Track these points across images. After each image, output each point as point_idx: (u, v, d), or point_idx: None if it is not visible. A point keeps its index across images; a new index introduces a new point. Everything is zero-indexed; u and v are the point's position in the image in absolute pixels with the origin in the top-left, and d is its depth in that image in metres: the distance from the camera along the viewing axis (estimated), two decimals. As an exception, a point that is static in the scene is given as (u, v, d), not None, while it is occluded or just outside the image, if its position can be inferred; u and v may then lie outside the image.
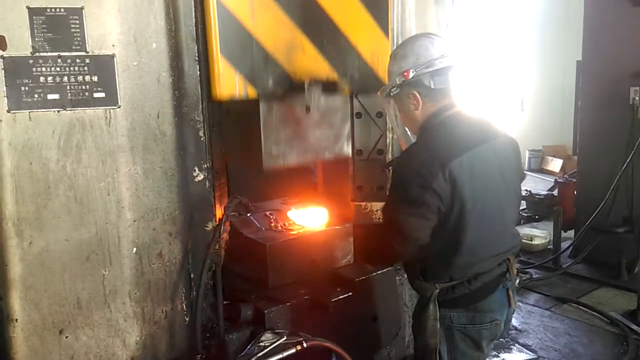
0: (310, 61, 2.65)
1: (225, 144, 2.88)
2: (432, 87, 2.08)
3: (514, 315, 4.39)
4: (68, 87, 2.15)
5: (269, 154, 2.67)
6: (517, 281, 4.66)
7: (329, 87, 2.77)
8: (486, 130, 2.16)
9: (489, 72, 12.28)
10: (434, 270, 2.12)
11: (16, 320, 2.17)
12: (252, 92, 2.48)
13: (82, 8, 2.13)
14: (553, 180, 7.70)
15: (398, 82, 2.11)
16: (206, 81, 2.44)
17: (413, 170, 2.01)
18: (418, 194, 1.97)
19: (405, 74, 2.07)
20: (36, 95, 2.11)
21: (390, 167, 2.59)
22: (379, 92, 2.30)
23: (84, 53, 2.16)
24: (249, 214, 3.15)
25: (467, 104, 2.22)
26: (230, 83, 2.42)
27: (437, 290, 2.10)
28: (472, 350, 2.14)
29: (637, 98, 4.37)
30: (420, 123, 2.15)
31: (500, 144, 2.14)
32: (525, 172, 10.75)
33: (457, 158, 1.96)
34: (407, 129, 2.35)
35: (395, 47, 2.31)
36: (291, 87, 2.59)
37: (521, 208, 7.23)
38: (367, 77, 2.85)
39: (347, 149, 2.99)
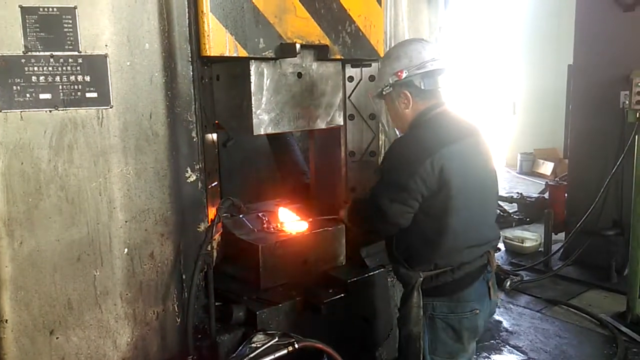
0: (302, 24, 2.64)
1: (216, 110, 2.85)
2: (423, 87, 2.23)
3: (505, 318, 4.46)
4: (60, 87, 2.14)
5: (259, 120, 2.65)
6: (508, 283, 4.69)
7: (321, 53, 2.76)
8: (469, 127, 2.29)
9: (481, 76, 12.35)
10: (419, 256, 2.22)
11: (6, 321, 2.15)
12: (242, 52, 2.47)
13: (75, 7, 2.12)
14: (544, 183, 7.75)
15: (391, 82, 2.26)
16: (198, 80, 2.44)
17: (401, 156, 2.16)
18: (404, 180, 2.09)
19: (399, 74, 2.23)
20: (28, 95, 2.09)
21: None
22: (369, 93, 2.40)
23: (76, 53, 2.15)
24: (241, 215, 3.15)
25: (453, 104, 2.33)
26: (220, 41, 2.40)
27: (421, 279, 2.20)
28: (452, 341, 2.23)
29: (627, 102, 4.39)
30: (410, 121, 2.29)
31: (480, 140, 2.28)
32: (517, 174, 10.89)
33: (445, 147, 2.10)
34: (395, 128, 2.45)
35: (387, 49, 2.41)
36: (282, 50, 2.57)
37: (512, 210, 7.28)
38: (359, 43, 2.86)
39: (339, 119, 2.98)
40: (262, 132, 2.70)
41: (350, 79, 3.11)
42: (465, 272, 2.19)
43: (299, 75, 2.76)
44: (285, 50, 2.57)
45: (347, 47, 2.82)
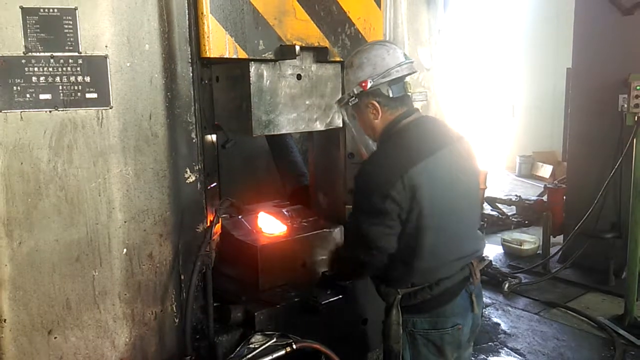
0: (301, 26, 2.64)
1: (215, 111, 2.85)
2: (391, 95, 2.13)
3: (504, 320, 4.47)
4: (60, 88, 2.15)
5: (259, 121, 2.65)
6: (507, 285, 4.69)
7: (320, 55, 2.77)
8: (443, 135, 2.20)
9: (480, 78, 12.38)
10: (396, 276, 2.14)
11: (5, 320, 2.15)
12: (242, 53, 2.47)
13: (75, 9, 2.13)
14: (543, 185, 7.76)
15: (356, 92, 2.15)
16: (198, 82, 2.45)
17: (372, 180, 2.05)
18: (378, 203, 2.00)
19: (363, 84, 2.11)
20: (28, 95, 2.10)
21: None
22: (336, 102, 2.33)
23: (76, 53, 2.16)
24: (240, 216, 3.16)
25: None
26: (220, 43, 2.40)
27: (400, 296, 2.13)
28: (434, 356, 2.16)
29: (625, 105, 4.41)
30: (380, 131, 2.19)
31: (457, 147, 2.18)
32: (516, 177, 10.91)
33: (415, 165, 2.00)
34: (367, 137, 2.36)
35: (350, 56, 2.28)
36: (282, 52, 2.57)
37: (511, 213, 7.29)
38: (358, 45, 2.79)
39: (338, 121, 2.96)
40: (261, 134, 2.71)
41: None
42: (445, 287, 2.11)
43: (299, 77, 2.76)
44: (285, 52, 2.58)
45: (347, 49, 2.82)
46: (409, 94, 2.22)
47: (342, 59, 2.83)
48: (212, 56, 2.40)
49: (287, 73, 2.73)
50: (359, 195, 2.13)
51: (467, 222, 2.22)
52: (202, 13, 2.35)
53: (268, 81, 2.66)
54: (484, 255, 2.35)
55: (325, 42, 2.75)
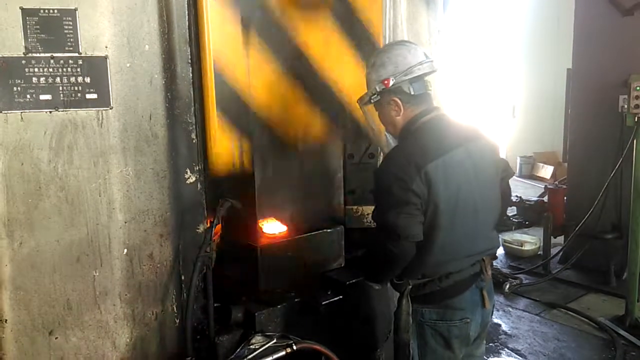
0: (305, 120, 2.71)
1: None
2: (412, 93, 2.17)
3: (504, 321, 4.46)
4: (60, 88, 2.15)
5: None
6: (508, 286, 4.67)
7: (324, 149, 2.82)
8: (463, 133, 2.22)
9: (481, 79, 12.38)
10: (407, 268, 2.16)
11: (6, 320, 2.15)
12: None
13: (75, 9, 2.13)
14: (544, 186, 7.76)
15: (378, 90, 2.19)
16: (198, 83, 2.45)
17: (393, 174, 2.07)
18: (401, 195, 2.03)
19: (386, 82, 2.16)
20: (28, 96, 2.11)
21: None
22: (357, 101, 2.35)
23: (76, 54, 2.16)
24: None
25: (450, 107, 2.28)
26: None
27: (410, 287, 2.18)
28: (441, 348, 2.20)
29: (625, 106, 4.41)
30: (401, 127, 2.23)
31: (476, 147, 2.20)
32: (517, 178, 10.91)
33: (432, 161, 2.03)
34: (387, 134, 2.40)
35: (371, 56, 2.33)
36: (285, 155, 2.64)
37: (512, 214, 7.29)
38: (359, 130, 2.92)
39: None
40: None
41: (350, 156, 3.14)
42: (454, 280, 2.16)
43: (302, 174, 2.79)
44: (288, 158, 2.64)
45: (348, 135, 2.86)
46: (429, 91, 2.26)
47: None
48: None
49: (290, 170, 2.80)
50: (382, 190, 2.14)
51: (482, 221, 2.22)
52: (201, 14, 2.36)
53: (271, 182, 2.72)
54: (496, 254, 2.37)
55: (327, 139, 2.88)
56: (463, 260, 2.17)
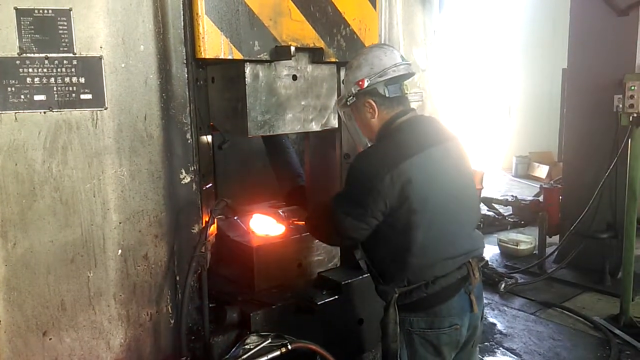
0: (296, 27, 2.64)
1: (211, 112, 2.84)
2: (387, 95, 2.18)
3: (500, 320, 4.48)
4: (55, 89, 2.15)
5: (254, 122, 2.65)
6: (503, 285, 4.67)
7: (316, 56, 2.77)
8: (437, 134, 2.24)
9: (477, 79, 12.40)
10: (391, 273, 2.17)
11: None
12: (237, 54, 2.48)
13: (70, 10, 2.13)
14: (539, 186, 7.79)
15: (354, 92, 2.21)
16: (193, 82, 2.45)
17: (362, 171, 2.11)
18: (361, 196, 2.06)
19: (360, 83, 2.18)
20: (22, 96, 2.10)
21: None
22: (336, 103, 2.37)
23: (71, 54, 2.16)
24: (235, 217, 3.16)
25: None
26: (215, 43, 2.39)
27: (396, 295, 2.14)
28: (431, 356, 2.17)
29: (620, 105, 4.43)
30: (377, 130, 2.25)
31: (450, 146, 2.22)
32: (512, 177, 10.93)
33: (408, 159, 2.04)
34: (364, 137, 2.41)
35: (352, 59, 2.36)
36: (277, 53, 2.57)
37: (507, 213, 7.31)
38: (353, 46, 2.85)
39: (334, 122, 2.96)
40: (257, 134, 2.71)
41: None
42: (441, 286, 2.11)
43: (294, 77, 2.76)
44: (280, 52, 2.58)
45: (342, 50, 2.83)
46: (406, 94, 2.26)
47: (337, 60, 2.83)
48: (207, 57, 2.40)
49: (283, 74, 2.73)
50: (347, 183, 2.20)
51: (461, 220, 2.20)
52: (197, 14, 2.35)
53: (263, 82, 2.66)
54: (483, 254, 2.35)
55: (320, 43, 2.75)
56: (447, 262, 2.13)
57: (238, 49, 2.47)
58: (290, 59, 2.62)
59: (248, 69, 2.59)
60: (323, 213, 2.32)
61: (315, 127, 2.90)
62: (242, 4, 2.46)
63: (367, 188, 2.03)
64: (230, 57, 2.45)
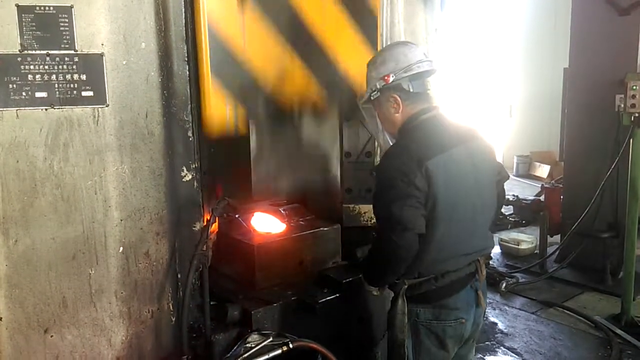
0: (301, 87, 2.68)
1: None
2: (411, 90, 2.20)
3: (501, 319, 4.47)
4: (56, 86, 2.15)
5: (259, 185, 2.66)
6: (504, 285, 4.66)
7: (319, 115, 2.80)
8: (462, 133, 2.25)
9: (478, 79, 12.39)
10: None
11: (1, 319, 2.15)
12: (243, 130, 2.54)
13: (71, 7, 2.13)
14: (540, 185, 7.78)
15: (379, 87, 2.23)
16: (195, 80, 2.45)
17: (395, 168, 2.10)
18: (404, 188, 2.04)
19: (386, 78, 2.20)
20: (24, 93, 2.10)
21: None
22: (357, 99, 2.37)
23: (72, 51, 2.16)
24: (237, 215, 3.15)
25: (447, 107, 2.32)
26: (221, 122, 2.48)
27: (406, 286, 2.18)
28: (435, 348, 2.21)
29: (622, 105, 4.42)
30: (400, 125, 2.26)
31: (475, 146, 2.24)
32: (513, 177, 10.91)
33: (433, 157, 2.06)
34: (385, 132, 2.42)
35: (373, 56, 2.37)
36: (281, 118, 2.61)
37: (508, 213, 7.30)
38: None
39: (337, 188, 3.02)
40: (262, 197, 2.74)
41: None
42: (451, 279, 2.16)
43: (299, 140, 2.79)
44: (284, 120, 2.62)
45: (344, 107, 2.85)
46: (429, 91, 2.27)
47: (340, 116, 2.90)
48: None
49: (286, 136, 2.79)
50: (384, 186, 2.13)
51: (478, 219, 2.24)
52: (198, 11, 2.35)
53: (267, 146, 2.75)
54: (490, 254, 2.40)
55: (323, 105, 2.81)
56: (460, 259, 2.18)
57: (245, 124, 2.52)
58: None
59: (252, 136, 2.62)
60: (377, 238, 2.26)
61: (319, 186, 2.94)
62: (248, 74, 2.51)
63: (406, 182, 2.04)
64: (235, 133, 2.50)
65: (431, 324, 2.19)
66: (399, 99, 2.22)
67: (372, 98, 2.28)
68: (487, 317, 4.52)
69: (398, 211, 2.04)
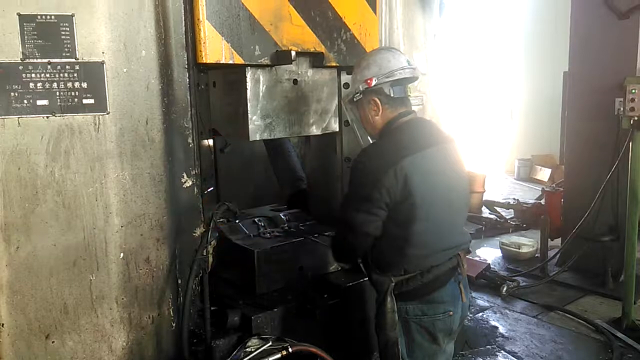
0: (297, 31, 2.68)
1: (212, 116, 2.85)
2: (392, 95, 2.30)
3: (501, 323, 4.47)
4: (57, 94, 2.17)
5: (255, 126, 2.67)
6: (505, 289, 4.67)
7: (316, 60, 2.80)
8: (435, 135, 2.35)
9: (479, 82, 12.41)
10: (389, 262, 2.26)
11: (2, 325, 2.17)
12: (238, 59, 2.50)
13: (72, 15, 2.15)
14: (541, 189, 7.78)
15: (361, 89, 2.32)
16: (194, 87, 2.47)
17: (365, 168, 2.20)
18: (367, 190, 2.15)
19: (369, 81, 2.29)
20: (25, 101, 2.12)
21: None
22: (342, 99, 2.44)
23: (73, 60, 2.18)
24: (237, 221, 3.17)
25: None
26: (216, 48, 2.42)
27: (393, 284, 2.25)
28: (427, 343, 2.27)
29: (621, 108, 4.42)
30: (380, 128, 2.35)
31: (447, 148, 2.34)
32: (515, 180, 10.89)
33: (409, 156, 2.14)
34: (367, 134, 2.51)
35: (358, 59, 2.47)
36: (278, 57, 2.60)
37: (509, 216, 7.30)
38: (354, 50, 2.89)
39: (335, 125, 3.00)
40: (258, 138, 2.73)
41: (346, 85, 3.12)
42: (435, 275, 2.24)
43: (295, 82, 2.79)
44: (281, 57, 2.61)
45: (343, 55, 2.85)
46: (409, 96, 2.38)
47: (338, 64, 2.86)
48: (208, 62, 2.42)
49: (284, 78, 2.75)
50: (351, 183, 2.27)
51: (455, 216, 2.35)
52: (198, 19, 2.38)
53: (264, 86, 2.68)
54: (469, 248, 2.51)
55: (321, 48, 2.77)
56: (441, 254, 2.26)
57: (239, 54, 2.49)
58: (291, 64, 2.65)
59: (249, 74, 2.62)
60: (338, 229, 2.42)
61: (315, 130, 2.92)
62: (243, 9, 2.48)
63: (372, 182, 2.13)
64: (231, 61, 2.48)
65: (422, 319, 2.24)
66: (379, 102, 2.30)
67: (354, 99, 2.37)
68: (487, 321, 4.52)
69: (353, 214, 2.20)
